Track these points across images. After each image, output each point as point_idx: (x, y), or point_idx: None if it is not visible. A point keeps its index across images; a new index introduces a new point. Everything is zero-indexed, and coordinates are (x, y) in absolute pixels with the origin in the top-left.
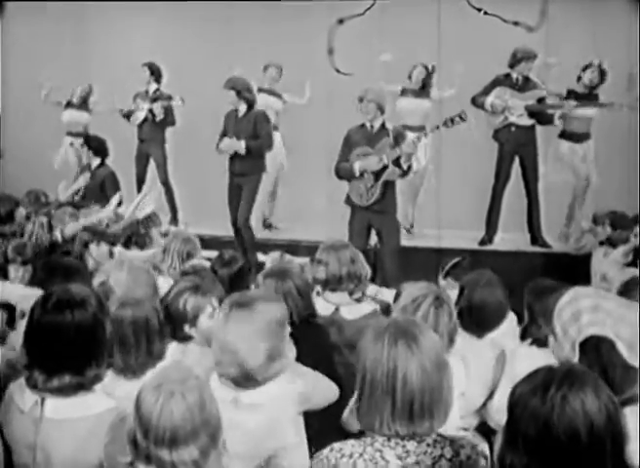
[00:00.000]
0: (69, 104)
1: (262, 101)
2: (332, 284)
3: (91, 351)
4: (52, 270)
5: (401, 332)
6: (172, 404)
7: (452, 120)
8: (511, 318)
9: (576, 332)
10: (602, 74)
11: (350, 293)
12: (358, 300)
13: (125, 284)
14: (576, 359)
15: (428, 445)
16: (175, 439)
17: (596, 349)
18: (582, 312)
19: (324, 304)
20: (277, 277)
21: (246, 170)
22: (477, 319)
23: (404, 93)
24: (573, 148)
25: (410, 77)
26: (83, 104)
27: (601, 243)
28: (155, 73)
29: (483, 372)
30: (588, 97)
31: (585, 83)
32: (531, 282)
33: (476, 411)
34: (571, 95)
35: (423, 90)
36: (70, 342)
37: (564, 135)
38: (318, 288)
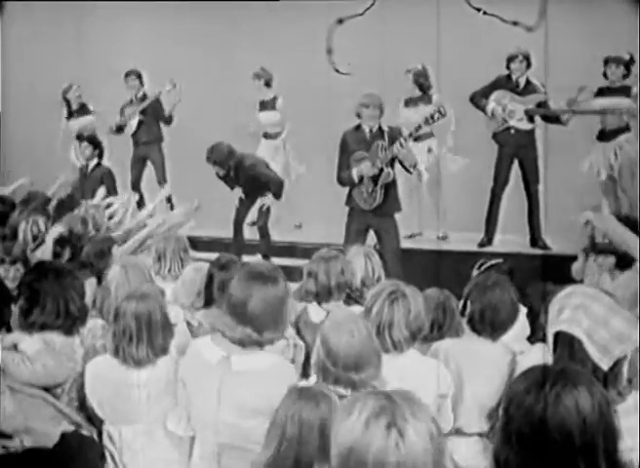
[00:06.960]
0: (71, 114)
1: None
2: (322, 296)
3: None
4: (43, 272)
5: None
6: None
7: (432, 117)
8: (522, 322)
9: (554, 326)
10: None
11: (347, 301)
12: (348, 304)
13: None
14: (549, 351)
15: None
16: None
17: (569, 346)
18: (566, 308)
19: (316, 310)
20: None
21: None
22: (491, 320)
23: (408, 103)
24: None
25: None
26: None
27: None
28: (141, 78)
29: (494, 375)
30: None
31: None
32: (533, 286)
33: (488, 415)
34: None
35: (425, 95)
36: None
37: None
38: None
